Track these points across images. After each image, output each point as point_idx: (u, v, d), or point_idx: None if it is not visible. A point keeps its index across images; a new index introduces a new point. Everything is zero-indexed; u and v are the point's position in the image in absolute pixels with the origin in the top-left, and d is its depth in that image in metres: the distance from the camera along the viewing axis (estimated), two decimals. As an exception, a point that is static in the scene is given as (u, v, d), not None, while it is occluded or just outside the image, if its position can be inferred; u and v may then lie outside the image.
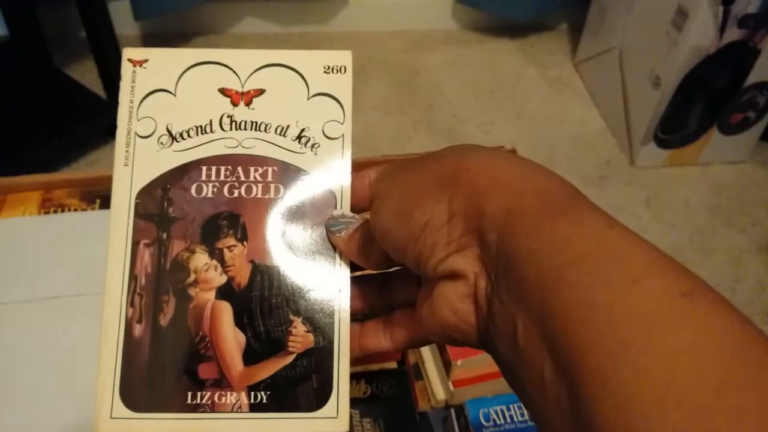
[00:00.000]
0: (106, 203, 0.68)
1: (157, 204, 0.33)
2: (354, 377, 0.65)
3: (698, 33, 1.05)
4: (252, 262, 0.32)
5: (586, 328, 0.21)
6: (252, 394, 0.31)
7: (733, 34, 1.05)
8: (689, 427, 0.18)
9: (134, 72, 0.34)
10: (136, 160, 0.34)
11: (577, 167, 1.26)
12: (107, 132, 1.22)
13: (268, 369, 0.31)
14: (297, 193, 0.33)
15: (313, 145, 0.34)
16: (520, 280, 0.23)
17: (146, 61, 0.34)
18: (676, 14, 1.08)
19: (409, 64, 1.50)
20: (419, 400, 0.66)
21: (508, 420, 0.61)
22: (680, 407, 0.18)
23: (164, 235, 0.33)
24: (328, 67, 0.35)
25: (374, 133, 1.32)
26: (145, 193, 0.34)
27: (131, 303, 0.32)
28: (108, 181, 0.71)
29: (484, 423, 0.61)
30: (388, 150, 1.28)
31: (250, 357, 0.31)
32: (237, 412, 0.30)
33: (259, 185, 0.33)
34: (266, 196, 0.33)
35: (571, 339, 0.21)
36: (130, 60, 0.34)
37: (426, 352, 0.67)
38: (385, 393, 0.64)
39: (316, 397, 0.31)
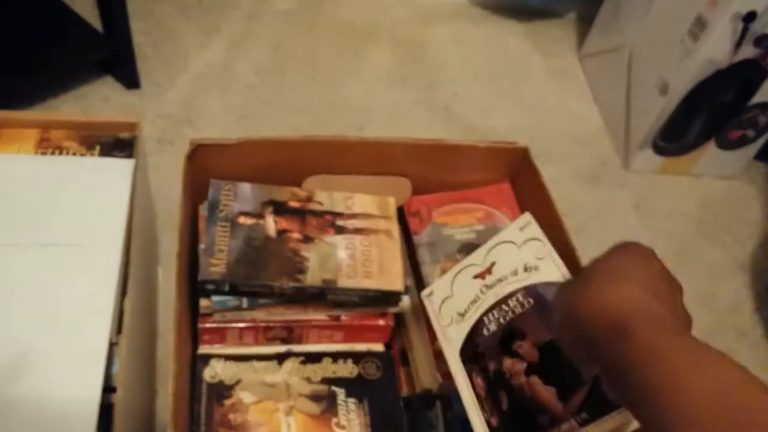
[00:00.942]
0: (106, 150, 0.65)
1: (470, 351, 0.55)
2: (341, 356, 0.65)
3: (714, 46, 1.04)
4: (536, 346, 0.51)
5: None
6: (577, 416, 0.48)
7: (748, 51, 1.05)
8: None
9: (430, 299, 0.61)
10: (450, 338, 0.57)
11: (570, 163, 1.27)
12: (100, 66, 1.17)
13: (577, 399, 0.48)
14: (539, 294, 0.53)
15: (533, 267, 0.55)
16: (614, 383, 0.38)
17: (431, 294, 0.61)
18: (693, 24, 1.07)
19: (415, 35, 1.47)
20: (404, 386, 0.66)
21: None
22: None
23: (482, 364, 0.54)
24: (522, 227, 0.58)
25: (373, 104, 1.29)
26: (462, 350, 0.56)
27: (483, 408, 0.52)
28: (111, 127, 0.68)
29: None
30: (384, 123, 1.26)
31: (563, 396, 0.49)
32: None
33: (516, 307, 0.54)
34: (524, 308, 0.53)
35: None
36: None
37: (415, 339, 0.67)
38: (372, 375, 0.64)
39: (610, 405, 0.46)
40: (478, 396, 0.52)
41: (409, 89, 1.34)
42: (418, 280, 0.66)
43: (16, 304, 0.53)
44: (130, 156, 0.65)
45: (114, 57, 1.13)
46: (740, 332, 1.07)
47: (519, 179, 0.73)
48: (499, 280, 0.55)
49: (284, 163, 0.67)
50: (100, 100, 1.15)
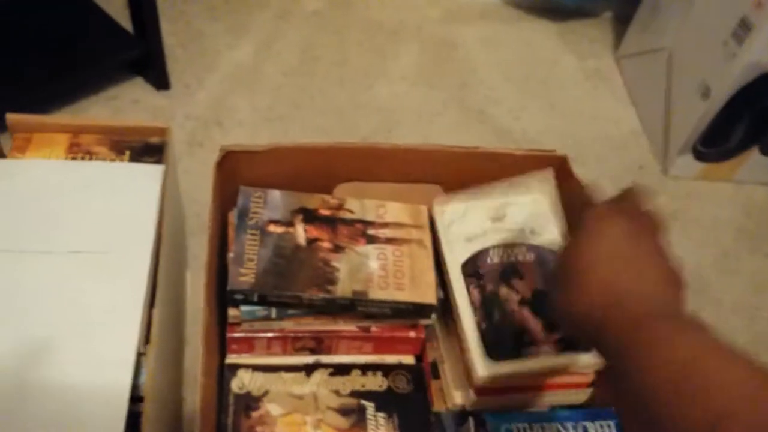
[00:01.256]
0: (136, 155, 0.65)
1: (472, 269, 0.62)
2: (371, 369, 0.63)
3: (760, 49, 1.00)
4: (531, 288, 0.61)
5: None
6: (555, 344, 0.58)
7: (793, 54, 1.01)
8: None
9: (442, 213, 0.66)
10: (454, 252, 0.64)
11: (606, 168, 1.23)
12: (131, 67, 1.17)
13: (558, 334, 0.58)
14: (541, 255, 0.63)
15: (539, 234, 0.64)
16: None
17: (444, 211, 0.66)
18: (738, 26, 1.03)
19: (444, 35, 1.45)
20: (434, 400, 0.64)
21: (529, 437, 0.60)
22: None
23: (481, 282, 0.61)
24: (540, 192, 0.67)
25: (400, 105, 1.27)
26: (464, 265, 0.62)
27: (475, 314, 0.60)
28: (141, 132, 0.68)
29: (504, 438, 0.60)
30: (413, 125, 1.24)
31: (547, 329, 0.58)
32: (550, 353, 0.57)
33: (520, 254, 0.63)
34: (526, 259, 0.63)
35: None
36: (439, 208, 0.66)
37: (447, 352, 0.65)
38: (402, 389, 0.63)
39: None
40: (472, 303, 0.60)
41: (439, 90, 1.32)
42: (449, 291, 0.64)
43: (43, 313, 0.53)
44: (159, 161, 0.64)
45: (144, 58, 1.13)
46: (784, 347, 1.03)
47: (556, 187, 0.71)
48: (509, 230, 0.64)
49: (315, 170, 0.66)
50: (130, 102, 1.15)
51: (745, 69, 1.03)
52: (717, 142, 1.17)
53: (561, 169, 0.69)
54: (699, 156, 1.19)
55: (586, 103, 1.35)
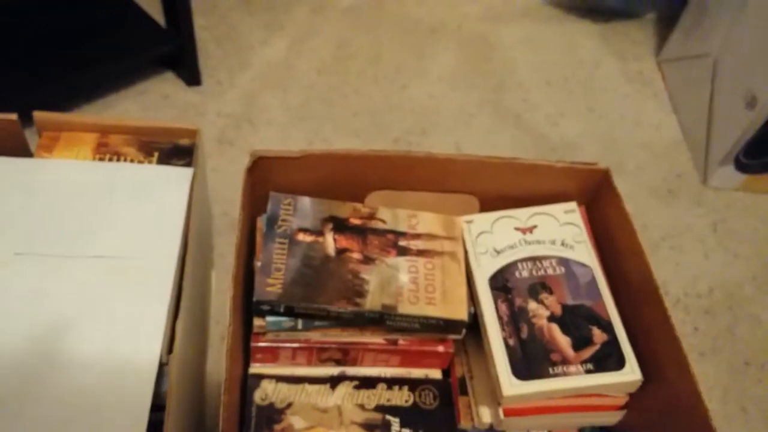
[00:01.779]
0: (164, 158, 0.63)
1: (500, 282, 0.62)
2: (397, 383, 0.61)
3: (813, 58, 0.96)
4: (560, 303, 0.60)
5: None
6: (584, 364, 0.57)
7: None
8: None
9: (470, 224, 0.66)
10: (482, 265, 0.63)
11: (645, 176, 1.19)
12: (162, 62, 1.16)
13: (587, 352, 0.58)
14: (571, 268, 0.63)
15: (570, 246, 0.64)
16: None
17: (471, 221, 0.66)
18: (791, 33, 0.98)
19: (484, 34, 1.42)
20: (461, 417, 0.62)
21: (558, 461, 0.58)
22: None
23: (509, 296, 0.61)
24: (567, 211, 0.66)
25: (436, 106, 1.25)
26: (492, 278, 0.62)
27: (503, 329, 0.59)
28: (171, 133, 0.66)
29: (533, 461, 0.58)
30: (448, 128, 1.21)
31: (576, 347, 0.58)
32: (578, 374, 0.56)
33: (549, 268, 0.62)
34: (555, 273, 0.62)
35: None
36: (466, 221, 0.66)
37: (476, 369, 0.63)
38: (428, 404, 0.61)
39: (618, 363, 0.57)
40: (500, 318, 0.60)
41: (476, 92, 1.29)
42: (476, 305, 0.62)
43: (65, 319, 0.52)
44: (188, 164, 0.63)
45: (176, 53, 1.12)
46: (827, 369, 0.99)
47: (597, 201, 0.68)
48: (538, 242, 0.64)
49: (347, 177, 0.64)
50: (160, 97, 1.14)
51: (797, 79, 0.99)
52: (760, 154, 1.12)
53: (602, 182, 0.67)
54: (741, 167, 1.14)
55: (627, 107, 1.31)
